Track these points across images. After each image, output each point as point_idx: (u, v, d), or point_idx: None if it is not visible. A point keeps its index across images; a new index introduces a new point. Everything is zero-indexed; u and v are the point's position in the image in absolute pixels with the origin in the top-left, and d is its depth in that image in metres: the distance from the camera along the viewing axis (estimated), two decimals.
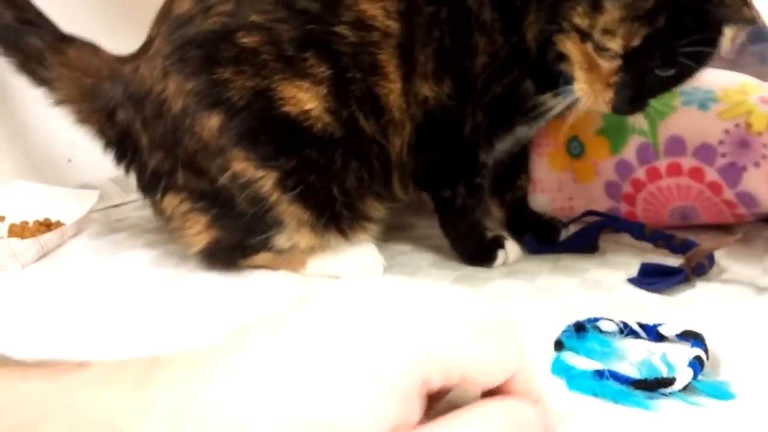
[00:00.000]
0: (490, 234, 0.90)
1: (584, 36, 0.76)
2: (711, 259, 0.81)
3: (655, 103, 0.84)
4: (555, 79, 0.82)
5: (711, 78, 0.93)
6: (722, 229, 0.92)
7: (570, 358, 0.63)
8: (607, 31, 0.74)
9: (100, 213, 1.07)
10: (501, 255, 0.88)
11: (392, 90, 0.83)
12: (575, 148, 0.97)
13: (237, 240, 0.85)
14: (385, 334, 0.41)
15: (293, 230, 0.83)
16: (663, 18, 0.72)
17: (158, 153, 0.84)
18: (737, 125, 0.88)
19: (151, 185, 0.86)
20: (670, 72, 0.76)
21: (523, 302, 0.77)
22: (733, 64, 1.03)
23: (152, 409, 0.39)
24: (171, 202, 0.85)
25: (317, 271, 0.86)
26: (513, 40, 0.82)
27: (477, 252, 0.89)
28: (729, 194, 0.89)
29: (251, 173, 0.82)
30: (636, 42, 0.73)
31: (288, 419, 0.39)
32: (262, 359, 0.40)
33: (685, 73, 0.78)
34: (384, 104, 0.83)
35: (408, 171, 0.88)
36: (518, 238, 0.91)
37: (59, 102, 0.89)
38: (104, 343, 0.71)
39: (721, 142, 0.88)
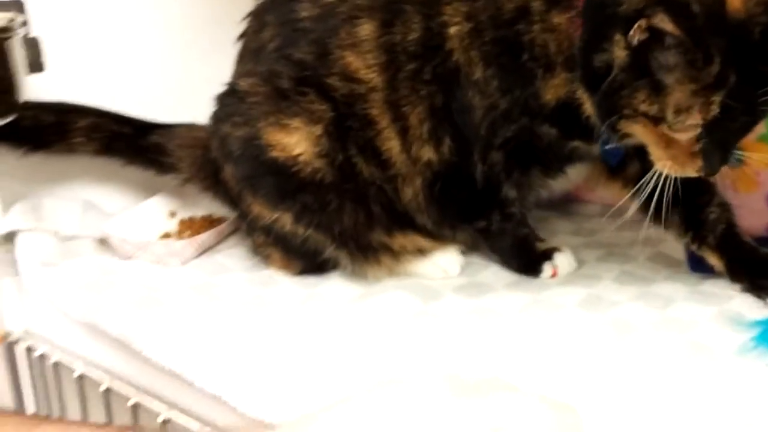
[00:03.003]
0: (542, 246, 0.89)
1: (657, 120, 0.69)
2: None
3: None
4: (585, 127, 0.78)
5: None
6: None
7: None
8: (681, 110, 0.68)
9: None
10: (547, 268, 0.87)
11: (393, 146, 0.84)
12: (734, 157, 0.90)
13: (311, 265, 0.91)
14: None
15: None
16: (733, 76, 0.65)
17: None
18: None
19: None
20: (750, 119, 0.70)
21: (646, 333, 0.74)
22: None
23: None
24: (256, 239, 0.94)
25: (411, 271, 0.90)
26: (516, 94, 0.79)
27: (523, 265, 0.89)
28: None
29: (268, 216, 0.87)
30: (715, 110, 0.67)
31: None
32: None
33: (765, 114, 0.71)
34: (387, 159, 0.84)
35: (433, 213, 0.88)
36: (748, 285, 0.80)
37: (186, 181, 1.00)
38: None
39: None
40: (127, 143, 1.00)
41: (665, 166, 0.73)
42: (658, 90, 0.68)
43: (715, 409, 0.62)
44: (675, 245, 0.89)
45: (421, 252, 0.89)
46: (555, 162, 0.86)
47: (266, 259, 0.93)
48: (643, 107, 0.69)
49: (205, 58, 0.99)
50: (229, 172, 0.90)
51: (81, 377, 0.86)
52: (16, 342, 0.96)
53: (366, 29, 0.82)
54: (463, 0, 0.79)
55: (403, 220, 0.88)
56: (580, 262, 0.89)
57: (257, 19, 0.89)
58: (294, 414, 0.66)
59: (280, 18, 0.86)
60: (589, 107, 0.75)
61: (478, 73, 0.80)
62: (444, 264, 0.90)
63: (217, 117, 0.91)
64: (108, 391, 0.83)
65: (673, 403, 0.63)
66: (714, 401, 0.63)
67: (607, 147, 0.80)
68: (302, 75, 0.84)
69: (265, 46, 0.86)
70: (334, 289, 0.88)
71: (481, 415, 0.47)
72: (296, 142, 0.84)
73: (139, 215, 1.03)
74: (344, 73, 0.83)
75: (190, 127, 0.98)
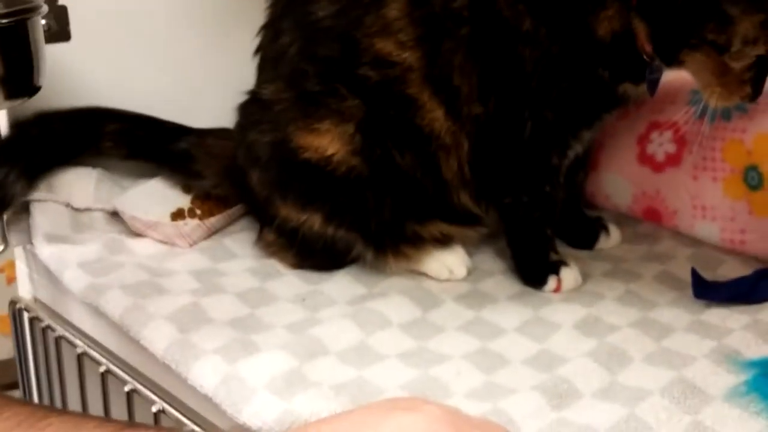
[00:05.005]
0: (553, 257, 0.88)
1: (722, 49, 0.73)
2: None
3: None
4: (631, 68, 0.81)
5: None
6: None
7: None
8: (749, 41, 0.72)
9: None
10: (551, 281, 0.86)
11: (435, 117, 0.83)
12: (753, 179, 0.89)
13: (323, 264, 0.91)
14: None
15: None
16: None
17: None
18: None
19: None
20: None
21: (638, 367, 0.73)
22: None
23: None
24: (267, 236, 0.94)
25: (421, 267, 0.90)
26: (567, 37, 0.80)
27: (532, 272, 0.88)
28: None
29: (295, 217, 0.88)
30: None
31: None
32: None
33: None
34: (428, 133, 0.84)
35: (473, 187, 0.88)
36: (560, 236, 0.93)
37: (212, 188, 1.00)
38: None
39: None
40: (156, 149, 1.01)
41: (713, 93, 0.77)
42: (726, 21, 0.72)
43: None
44: (684, 264, 0.88)
45: (445, 239, 0.90)
46: (598, 111, 0.87)
47: (272, 257, 0.93)
48: (711, 36, 0.73)
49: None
50: (255, 178, 0.91)
51: (82, 355, 0.88)
52: (23, 310, 0.98)
53: (394, 9, 0.82)
54: None
55: (433, 208, 0.88)
56: (586, 276, 0.88)
57: (271, 28, 0.89)
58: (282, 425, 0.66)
59: (296, 22, 0.86)
60: (643, 38, 0.78)
61: (526, 24, 0.80)
62: (451, 264, 0.89)
63: (242, 125, 0.92)
64: (106, 373, 0.84)
65: None
66: None
67: (651, 77, 0.83)
68: (330, 71, 0.83)
69: (285, 53, 0.86)
70: (337, 287, 0.88)
71: None
72: (328, 142, 0.84)
73: (153, 190, 1.03)
74: (376, 60, 0.82)
75: (218, 134, 0.99)
